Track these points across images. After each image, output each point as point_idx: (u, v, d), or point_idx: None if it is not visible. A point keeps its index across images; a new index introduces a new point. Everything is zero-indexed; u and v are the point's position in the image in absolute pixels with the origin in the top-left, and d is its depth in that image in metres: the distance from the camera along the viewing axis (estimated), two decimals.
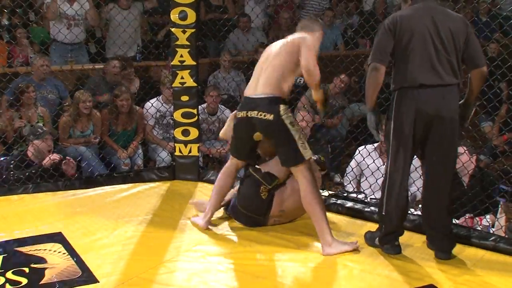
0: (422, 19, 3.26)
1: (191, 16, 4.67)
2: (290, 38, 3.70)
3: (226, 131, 4.03)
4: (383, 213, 3.46)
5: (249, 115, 3.61)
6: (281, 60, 3.62)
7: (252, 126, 3.64)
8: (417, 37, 3.23)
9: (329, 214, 3.86)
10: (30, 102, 5.26)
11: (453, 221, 3.99)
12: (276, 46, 3.73)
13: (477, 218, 4.11)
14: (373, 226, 3.85)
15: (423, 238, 3.69)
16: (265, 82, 3.62)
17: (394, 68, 3.36)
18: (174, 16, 4.67)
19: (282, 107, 3.57)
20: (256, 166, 3.95)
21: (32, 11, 6.43)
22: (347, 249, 3.54)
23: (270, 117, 3.54)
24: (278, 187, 3.92)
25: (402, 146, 3.34)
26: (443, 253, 3.48)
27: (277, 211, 3.90)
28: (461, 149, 4.36)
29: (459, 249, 3.57)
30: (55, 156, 4.79)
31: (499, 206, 4.16)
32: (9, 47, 6.21)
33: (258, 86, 3.64)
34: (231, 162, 3.91)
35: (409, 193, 4.62)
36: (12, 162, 4.70)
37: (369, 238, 3.67)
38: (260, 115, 3.56)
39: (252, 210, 3.89)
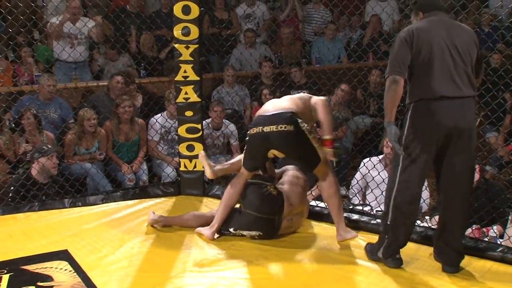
0: (438, 32, 3.26)
1: (194, 32, 4.69)
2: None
3: (212, 171, 4.16)
4: (388, 223, 3.42)
5: (265, 130, 3.73)
6: (294, 100, 3.89)
7: (267, 142, 3.75)
8: (436, 50, 3.23)
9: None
10: (31, 127, 5.28)
11: None
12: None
13: (484, 229, 4.10)
14: None
15: (430, 250, 3.67)
16: (282, 101, 3.86)
17: (410, 80, 3.32)
18: (177, 32, 4.70)
19: (299, 119, 3.74)
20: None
21: (36, 30, 6.48)
22: (354, 235, 3.95)
23: (290, 128, 3.70)
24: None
25: (417, 158, 3.28)
26: (452, 267, 3.45)
27: (287, 206, 3.91)
28: None
29: (467, 261, 3.55)
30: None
31: (509, 216, 4.15)
32: (14, 66, 6.24)
33: (276, 106, 3.81)
34: (242, 174, 3.96)
35: None
36: (17, 181, 4.71)
37: (370, 250, 3.64)
38: (280, 127, 3.70)
39: (266, 210, 3.87)
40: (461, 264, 3.49)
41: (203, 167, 4.28)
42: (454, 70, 3.23)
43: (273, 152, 3.83)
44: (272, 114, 3.78)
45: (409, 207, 3.37)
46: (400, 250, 3.49)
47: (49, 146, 4.94)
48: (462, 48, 3.26)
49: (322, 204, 4.32)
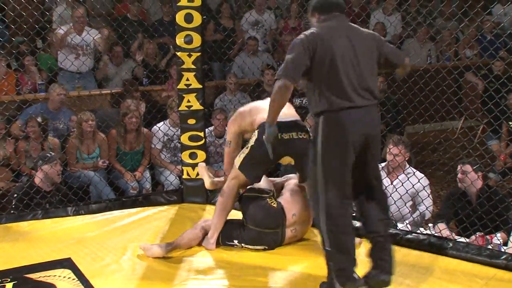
0: (341, 40, 3.10)
1: (197, 40, 4.71)
2: None
3: (211, 182, 4.17)
4: (328, 249, 3.10)
5: (285, 137, 3.66)
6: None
7: (285, 148, 3.68)
8: (339, 59, 3.06)
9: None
10: (36, 135, 5.29)
11: (465, 240, 3.98)
12: None
13: (487, 237, 4.09)
14: None
15: (433, 257, 3.67)
16: (292, 110, 3.83)
17: (314, 91, 3.10)
18: (179, 40, 4.71)
19: (307, 126, 3.79)
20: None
21: (39, 39, 6.51)
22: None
23: (307, 136, 3.71)
24: (277, 196, 4.00)
25: (337, 172, 3.06)
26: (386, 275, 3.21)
27: (290, 216, 3.88)
28: (468, 168, 4.37)
29: (470, 268, 3.54)
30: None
31: None
32: (17, 75, 6.27)
33: (287, 113, 3.69)
34: (236, 184, 3.87)
35: (418, 212, 4.64)
36: (20, 189, 4.72)
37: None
38: (300, 135, 3.70)
39: (269, 224, 3.84)
40: (465, 270, 3.48)
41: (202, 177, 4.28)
42: (360, 78, 3.09)
43: (285, 159, 3.78)
44: (290, 121, 3.72)
45: (346, 225, 3.14)
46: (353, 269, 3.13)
47: (52, 154, 4.95)
48: (364, 55, 3.13)
49: None
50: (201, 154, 4.86)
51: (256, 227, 3.85)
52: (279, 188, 4.13)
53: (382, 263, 3.18)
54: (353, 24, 3.25)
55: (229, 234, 3.91)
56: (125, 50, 6.76)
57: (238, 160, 3.84)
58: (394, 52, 3.31)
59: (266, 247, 3.87)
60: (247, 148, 3.81)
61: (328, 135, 3.06)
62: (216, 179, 4.21)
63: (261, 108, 3.79)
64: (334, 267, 3.10)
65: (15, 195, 4.68)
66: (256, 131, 3.76)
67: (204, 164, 4.30)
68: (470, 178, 4.34)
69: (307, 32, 3.11)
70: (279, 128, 3.49)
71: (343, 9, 3.24)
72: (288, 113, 3.72)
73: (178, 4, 4.68)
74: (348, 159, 3.07)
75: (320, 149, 3.07)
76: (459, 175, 4.42)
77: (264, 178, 3.98)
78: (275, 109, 3.17)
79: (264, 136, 3.27)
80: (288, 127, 3.68)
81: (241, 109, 4.06)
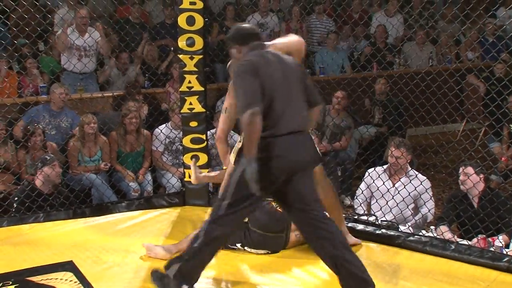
0: (275, 66, 3.07)
1: (199, 43, 4.71)
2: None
3: (198, 177, 4.13)
4: (196, 245, 3.10)
5: None
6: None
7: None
8: (276, 85, 3.01)
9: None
10: (37, 147, 5.30)
11: (466, 242, 3.98)
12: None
13: (489, 239, 4.08)
14: (385, 248, 3.84)
15: (435, 259, 3.66)
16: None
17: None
18: (181, 42, 4.71)
19: None
20: None
21: (41, 41, 6.51)
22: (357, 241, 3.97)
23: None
24: None
25: (250, 195, 2.98)
26: None
27: None
28: (470, 170, 4.36)
29: (472, 271, 3.54)
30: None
31: None
32: (19, 77, 6.28)
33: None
34: None
35: (420, 214, 4.64)
36: (22, 192, 4.72)
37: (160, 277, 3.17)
38: None
39: (274, 228, 3.84)
40: (467, 274, 3.47)
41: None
42: (294, 104, 3.07)
43: None
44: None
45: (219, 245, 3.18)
46: (360, 265, 3.10)
47: (51, 155, 4.96)
48: (295, 81, 3.12)
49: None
50: (203, 157, 4.86)
51: (261, 231, 3.84)
52: None
53: None
54: (279, 53, 3.20)
55: (232, 237, 3.89)
56: (130, 56, 6.77)
57: (233, 156, 3.72)
58: (313, 89, 3.26)
59: (269, 252, 3.86)
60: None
61: (259, 163, 2.94)
62: (203, 174, 4.18)
63: None
64: (189, 261, 3.10)
65: (16, 198, 4.68)
66: None
67: (195, 160, 4.28)
68: (472, 180, 4.33)
69: (244, 62, 3.06)
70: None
71: (260, 37, 3.27)
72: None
73: (180, 6, 4.69)
74: (270, 188, 3.09)
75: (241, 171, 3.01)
76: (461, 177, 4.42)
77: None
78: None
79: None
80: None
81: None
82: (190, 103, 4.80)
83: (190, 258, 3.12)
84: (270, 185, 3.02)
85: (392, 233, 4.10)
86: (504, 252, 3.89)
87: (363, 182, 5.02)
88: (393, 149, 4.76)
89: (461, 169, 4.44)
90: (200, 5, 4.68)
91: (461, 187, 4.45)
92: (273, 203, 3.86)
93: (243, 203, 3.05)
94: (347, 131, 6.33)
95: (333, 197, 3.87)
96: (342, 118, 6.27)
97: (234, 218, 3.09)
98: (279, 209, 3.82)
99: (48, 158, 4.85)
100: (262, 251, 3.86)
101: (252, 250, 3.87)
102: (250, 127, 2.88)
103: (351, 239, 3.93)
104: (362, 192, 4.97)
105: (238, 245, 3.89)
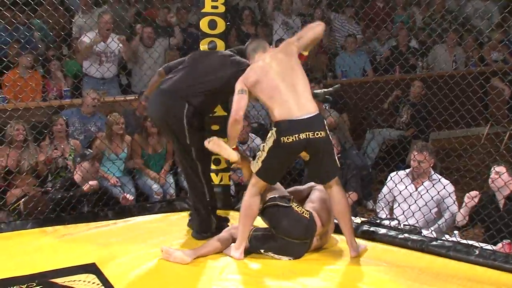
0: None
1: (220, 46, 4.71)
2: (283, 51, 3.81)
3: (236, 152, 3.88)
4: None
5: (302, 137, 3.53)
6: (302, 74, 3.70)
7: (302, 148, 3.60)
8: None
9: (362, 241, 3.99)
10: (61, 135, 5.34)
11: (491, 247, 3.93)
12: (280, 60, 3.76)
13: None
14: (408, 253, 3.81)
15: (458, 264, 3.62)
16: (306, 100, 3.63)
17: None
18: (203, 46, 4.73)
19: (324, 121, 3.66)
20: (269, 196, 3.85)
21: (65, 45, 6.58)
22: (365, 247, 3.94)
23: (323, 134, 3.59)
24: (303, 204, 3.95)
25: None
26: None
27: (320, 225, 3.84)
28: (502, 169, 4.31)
29: (497, 276, 3.49)
30: (93, 183, 4.84)
31: None
32: (44, 81, 6.35)
33: (301, 106, 3.59)
34: (257, 190, 3.77)
35: (443, 219, 4.60)
36: (62, 187, 4.76)
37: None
38: (317, 134, 3.56)
39: (301, 235, 3.78)
40: (490, 279, 3.43)
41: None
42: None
43: (306, 155, 3.67)
44: (306, 119, 3.56)
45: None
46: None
47: (90, 151, 4.97)
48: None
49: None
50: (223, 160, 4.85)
51: (288, 238, 3.78)
52: (305, 197, 4.07)
53: None
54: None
55: (255, 243, 3.86)
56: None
57: (255, 166, 3.75)
58: None
59: (291, 258, 3.81)
60: (263, 151, 3.70)
61: None
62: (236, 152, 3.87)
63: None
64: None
65: (55, 194, 4.68)
66: (274, 130, 3.62)
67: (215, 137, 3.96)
68: (504, 179, 4.28)
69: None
70: (292, 128, 3.53)
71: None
72: (300, 107, 3.59)
73: (202, 10, 4.71)
74: None
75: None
76: (492, 175, 4.36)
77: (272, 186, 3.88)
78: (234, 136, 3.86)
79: None
80: (302, 127, 3.55)
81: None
82: None
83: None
84: None
85: (414, 237, 4.06)
86: None
87: (385, 186, 4.98)
88: (416, 153, 4.73)
89: (492, 168, 4.39)
90: (222, 9, 4.70)
91: (491, 185, 4.39)
92: (297, 208, 3.84)
93: None
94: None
95: (344, 205, 3.78)
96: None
97: None
98: (306, 216, 3.81)
99: (87, 153, 4.86)
100: (285, 258, 3.81)
101: (276, 256, 3.83)
102: (233, 128, 3.77)
103: (361, 247, 3.89)
104: (384, 196, 4.94)
105: (262, 250, 3.85)
